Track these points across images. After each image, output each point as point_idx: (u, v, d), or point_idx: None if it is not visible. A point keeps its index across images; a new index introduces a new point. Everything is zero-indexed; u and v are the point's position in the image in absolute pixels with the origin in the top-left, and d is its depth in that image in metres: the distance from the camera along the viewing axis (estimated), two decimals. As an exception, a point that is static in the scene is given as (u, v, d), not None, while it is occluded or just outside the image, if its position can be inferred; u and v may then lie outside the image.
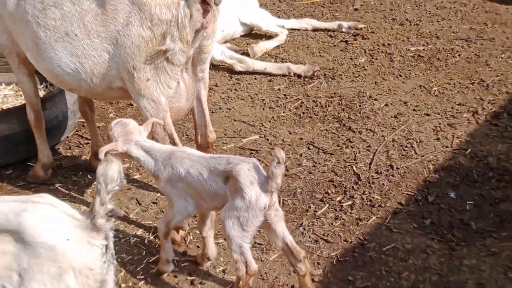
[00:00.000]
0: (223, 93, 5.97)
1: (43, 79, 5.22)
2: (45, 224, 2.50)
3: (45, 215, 2.53)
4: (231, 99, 5.85)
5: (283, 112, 5.55)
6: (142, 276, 3.65)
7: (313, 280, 3.51)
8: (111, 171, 2.49)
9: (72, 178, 4.69)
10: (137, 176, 4.66)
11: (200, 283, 3.60)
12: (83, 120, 5.33)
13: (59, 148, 5.09)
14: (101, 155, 3.27)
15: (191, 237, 3.96)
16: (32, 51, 3.77)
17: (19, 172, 4.77)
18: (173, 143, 3.63)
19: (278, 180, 3.04)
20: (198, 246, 3.86)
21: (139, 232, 4.06)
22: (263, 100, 5.79)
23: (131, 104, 5.76)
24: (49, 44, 3.62)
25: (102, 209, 2.53)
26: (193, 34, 3.41)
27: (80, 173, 4.75)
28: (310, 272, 3.42)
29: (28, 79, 4.25)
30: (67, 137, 5.24)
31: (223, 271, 3.68)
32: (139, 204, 4.36)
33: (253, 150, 4.95)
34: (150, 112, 3.54)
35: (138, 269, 3.73)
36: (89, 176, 4.69)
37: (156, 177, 3.42)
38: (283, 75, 6.19)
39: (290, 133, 5.18)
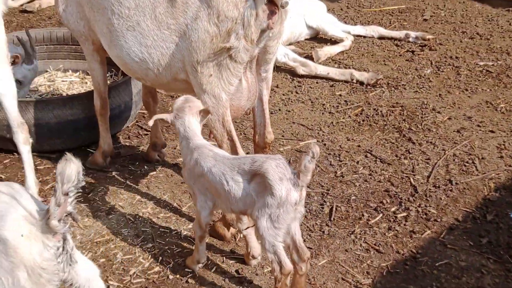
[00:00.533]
0: (283, 95, 5.96)
1: (109, 68, 5.31)
2: (1, 215, 2.48)
3: (3, 206, 2.51)
4: (291, 102, 5.82)
5: (343, 118, 5.49)
6: (190, 270, 3.66)
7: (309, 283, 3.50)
8: (68, 171, 2.40)
9: (129, 168, 4.76)
10: (182, 173, 4.69)
11: (248, 281, 3.59)
12: (143, 111, 5.43)
13: (118, 137, 5.18)
14: (150, 122, 3.38)
15: (241, 235, 3.95)
16: (105, 37, 3.85)
17: (79, 157, 4.86)
18: (231, 140, 3.63)
19: (309, 175, 3.02)
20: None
21: (190, 225, 4.08)
22: (323, 104, 5.75)
23: (192, 99, 5.80)
24: (121, 32, 3.69)
25: (58, 210, 2.44)
26: (258, 33, 3.40)
27: (137, 163, 4.82)
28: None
29: (100, 67, 4.34)
30: (127, 127, 5.33)
31: (271, 271, 3.65)
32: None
33: (310, 153, 4.91)
34: (210, 107, 3.55)
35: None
36: (145, 167, 4.75)
37: (183, 165, 3.46)
38: (346, 81, 6.13)
39: (348, 140, 5.12)
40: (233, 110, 3.63)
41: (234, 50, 3.41)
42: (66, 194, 2.41)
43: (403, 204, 4.25)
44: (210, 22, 3.37)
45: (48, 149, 4.83)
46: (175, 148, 5.00)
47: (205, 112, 3.42)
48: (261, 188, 3.06)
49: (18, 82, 4.60)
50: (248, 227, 3.52)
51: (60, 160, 2.42)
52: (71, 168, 2.39)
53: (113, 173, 4.67)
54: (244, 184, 3.13)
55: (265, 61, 3.73)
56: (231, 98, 3.60)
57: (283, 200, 2.99)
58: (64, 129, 4.75)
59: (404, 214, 4.15)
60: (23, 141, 4.12)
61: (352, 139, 5.13)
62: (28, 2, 7.99)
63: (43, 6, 8.08)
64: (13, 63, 4.49)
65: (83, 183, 2.48)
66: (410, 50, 6.87)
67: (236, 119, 4.51)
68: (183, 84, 3.74)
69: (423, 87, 6.00)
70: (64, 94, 5.58)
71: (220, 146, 3.66)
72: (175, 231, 4.02)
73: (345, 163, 4.77)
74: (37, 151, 4.67)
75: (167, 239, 3.95)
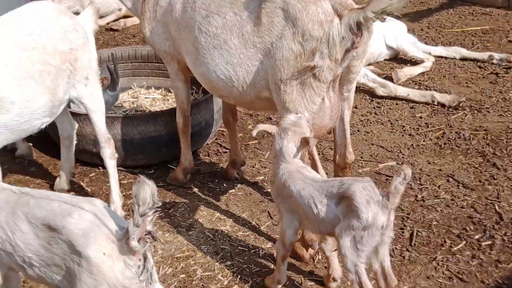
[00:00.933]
0: (362, 115, 5.90)
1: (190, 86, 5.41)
2: (84, 233, 2.55)
3: (87, 224, 2.58)
4: (370, 123, 5.76)
5: (423, 141, 5.38)
6: (268, 289, 3.67)
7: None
8: (143, 193, 2.42)
9: (208, 185, 4.82)
10: (271, 189, 4.71)
11: (326, 304, 3.56)
12: (222, 129, 5.50)
13: (198, 154, 5.26)
14: (254, 132, 3.42)
15: (320, 257, 3.93)
16: (191, 55, 3.94)
17: (160, 173, 4.99)
18: (312, 159, 3.63)
19: (399, 197, 2.96)
20: (325, 267, 3.82)
21: (269, 245, 4.09)
22: (403, 126, 5.66)
23: (270, 118, 5.85)
24: (208, 50, 3.77)
25: (137, 231, 2.48)
26: (343, 53, 3.39)
27: (216, 180, 4.88)
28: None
29: (184, 86, 4.43)
30: (207, 144, 5.41)
31: (350, 294, 3.62)
32: (271, 217, 4.40)
33: (389, 176, 4.83)
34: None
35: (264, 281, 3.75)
36: (224, 184, 4.80)
37: (272, 182, 3.48)
38: (426, 103, 6.01)
39: (429, 163, 5.01)
40: (315, 129, 3.62)
41: (318, 69, 3.42)
42: (143, 215, 2.46)
43: (487, 232, 4.11)
44: (294, 40, 3.40)
45: (131, 164, 4.96)
46: (253, 167, 5.04)
47: (305, 141, 3.36)
48: (348, 210, 3.02)
49: None
50: (334, 250, 3.48)
51: (135, 183, 2.47)
52: (145, 191, 2.42)
53: (194, 189, 4.74)
54: (332, 207, 3.11)
55: (348, 80, 3.71)
56: (314, 117, 3.60)
57: (369, 223, 2.95)
58: (147, 145, 4.87)
59: (489, 242, 4.01)
60: (110, 155, 4.25)
61: (433, 162, 5.02)
62: (114, 21, 8.27)
63: (128, 25, 8.36)
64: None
65: (159, 204, 2.50)
66: (494, 72, 6.68)
67: (318, 138, 4.50)
68: (266, 102, 3.77)
69: (508, 110, 5.81)
70: (147, 110, 5.73)
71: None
72: (254, 250, 4.04)
73: (426, 187, 4.67)
74: (120, 165, 4.81)
75: (245, 257, 3.97)
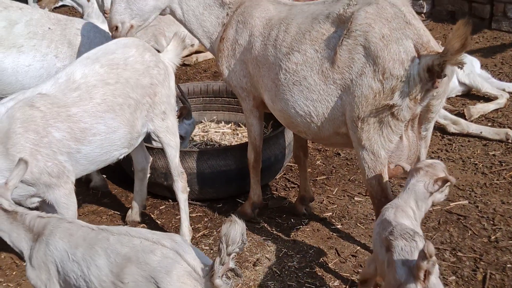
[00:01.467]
0: (433, 152, 5.80)
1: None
2: (166, 271, 2.59)
3: (168, 262, 2.62)
4: (441, 160, 5.66)
5: (497, 180, 5.23)
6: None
7: None
8: (233, 232, 2.44)
9: (276, 220, 4.83)
10: (339, 226, 4.68)
11: None
12: (291, 164, 5.52)
13: (267, 189, 5.29)
14: (392, 165, 3.44)
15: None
16: (270, 92, 4.00)
17: (228, 207, 5.04)
18: (386, 198, 3.58)
19: (422, 273, 2.71)
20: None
21: (336, 283, 4.05)
22: (476, 164, 5.52)
23: (339, 153, 5.83)
24: (287, 86, 3.82)
25: (222, 269, 2.50)
26: (423, 92, 3.37)
27: (284, 215, 4.89)
28: None
29: (258, 123, 4.46)
30: (275, 178, 5.44)
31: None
32: (338, 255, 4.36)
33: (461, 215, 4.72)
34: (368, 164, 3.55)
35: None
36: (292, 220, 4.80)
37: None
38: (500, 141, 5.86)
39: (503, 203, 4.86)
40: (392, 168, 3.60)
41: (396, 108, 3.41)
42: (230, 254, 2.49)
43: None
44: (375, 78, 3.40)
45: (201, 197, 5.04)
46: (321, 202, 5.02)
47: (442, 181, 3.25)
48: (388, 262, 2.93)
49: (181, 137, 4.85)
50: None
51: (225, 221, 2.50)
52: (236, 230, 2.46)
53: (261, 224, 4.76)
54: (383, 252, 3.03)
55: (426, 119, 3.66)
56: (391, 156, 3.57)
57: (402, 284, 2.80)
58: (217, 179, 4.94)
59: None
60: (182, 189, 4.34)
61: (508, 202, 4.87)
62: (186, 56, 8.49)
63: (200, 60, 8.56)
64: (178, 116, 4.79)
65: (246, 244, 2.54)
66: None
67: (394, 178, 4.44)
68: (344, 138, 3.77)
69: None
70: (217, 144, 5.83)
71: (374, 204, 3.64)
72: (321, 287, 4.01)
73: (500, 228, 4.53)
74: (190, 199, 4.87)
75: (314, 295, 3.95)
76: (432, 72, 3.28)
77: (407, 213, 3.23)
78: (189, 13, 4.40)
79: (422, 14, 9.61)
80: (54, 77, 3.83)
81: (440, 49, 3.35)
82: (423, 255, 2.66)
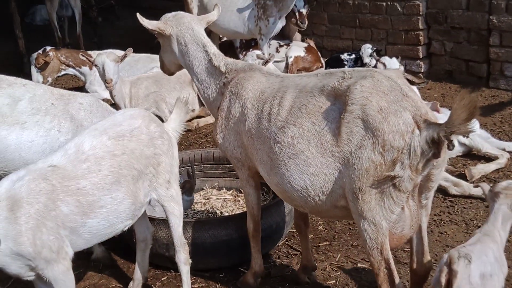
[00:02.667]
0: (435, 215, 5.77)
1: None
2: None
3: None
4: (444, 223, 5.62)
5: (502, 242, 5.19)
6: None
7: None
8: None
9: (279, 289, 4.79)
10: None
11: None
12: (293, 230, 5.48)
13: (269, 257, 5.24)
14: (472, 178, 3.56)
15: None
16: (265, 165, 3.99)
17: (231, 277, 4.97)
18: (388, 269, 3.55)
19: None
20: None
21: None
22: (479, 226, 5.48)
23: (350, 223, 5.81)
24: (282, 160, 3.81)
25: None
26: (424, 162, 3.39)
27: (287, 284, 4.81)
28: None
29: (254, 192, 4.45)
30: (277, 245, 5.40)
31: None
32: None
33: (467, 281, 4.66)
34: (369, 235, 3.53)
35: None
36: (295, 289, 4.76)
37: None
38: (502, 202, 5.83)
39: (509, 267, 4.80)
40: (395, 239, 3.58)
41: (398, 179, 3.41)
42: None
43: None
44: (374, 151, 3.41)
45: (202, 267, 4.97)
46: (324, 270, 4.95)
47: None
48: None
49: None
50: None
51: None
52: None
53: (264, 294, 4.71)
54: None
55: (427, 188, 3.66)
56: (393, 226, 3.56)
57: None
58: (219, 248, 4.90)
59: None
60: (184, 261, 4.31)
61: (510, 266, 4.82)
62: (188, 121, 8.57)
63: (201, 125, 8.62)
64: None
65: None
66: None
67: (396, 248, 4.41)
68: (342, 211, 3.74)
69: None
70: (218, 212, 5.82)
71: (376, 275, 3.60)
72: None
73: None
74: (191, 269, 4.83)
75: None
76: (437, 143, 3.31)
77: (494, 238, 3.51)
78: (198, 77, 4.51)
79: (420, 74, 9.75)
80: (63, 148, 3.87)
81: (437, 120, 3.39)
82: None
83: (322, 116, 3.66)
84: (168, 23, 4.52)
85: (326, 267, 5.01)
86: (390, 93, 3.47)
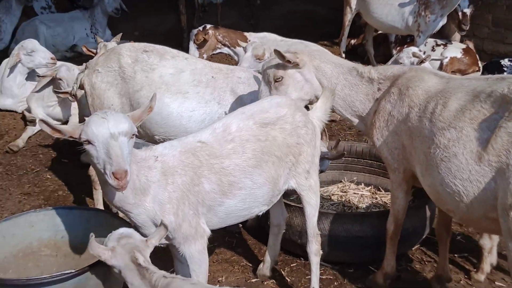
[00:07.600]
0: None
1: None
2: None
3: None
4: None
5: None
6: None
7: None
8: None
9: (410, 294, 4.66)
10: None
11: None
12: (429, 236, 5.29)
13: (401, 260, 5.09)
14: None
15: None
16: (421, 165, 3.92)
17: (359, 273, 4.91)
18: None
19: None
20: None
21: None
22: None
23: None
24: (434, 162, 3.73)
25: None
26: None
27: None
28: None
29: (404, 197, 4.37)
30: (411, 249, 5.25)
31: None
32: None
33: None
34: None
35: None
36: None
37: None
38: None
39: None
40: None
41: None
42: None
43: None
44: None
45: (333, 260, 4.97)
46: (458, 282, 4.76)
47: None
48: None
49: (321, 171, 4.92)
50: None
51: None
52: None
53: (393, 298, 4.61)
54: None
55: None
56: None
57: None
58: (351, 243, 4.85)
59: None
60: (315, 251, 4.31)
61: None
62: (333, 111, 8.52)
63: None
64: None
65: None
66: None
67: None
68: (495, 224, 3.54)
69: None
70: (354, 207, 5.76)
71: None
72: None
73: None
74: (321, 260, 4.83)
75: None
76: None
77: None
78: (335, 97, 4.47)
79: None
80: (211, 126, 3.96)
81: None
82: None
83: (484, 123, 3.50)
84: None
85: (460, 280, 4.80)
86: None
